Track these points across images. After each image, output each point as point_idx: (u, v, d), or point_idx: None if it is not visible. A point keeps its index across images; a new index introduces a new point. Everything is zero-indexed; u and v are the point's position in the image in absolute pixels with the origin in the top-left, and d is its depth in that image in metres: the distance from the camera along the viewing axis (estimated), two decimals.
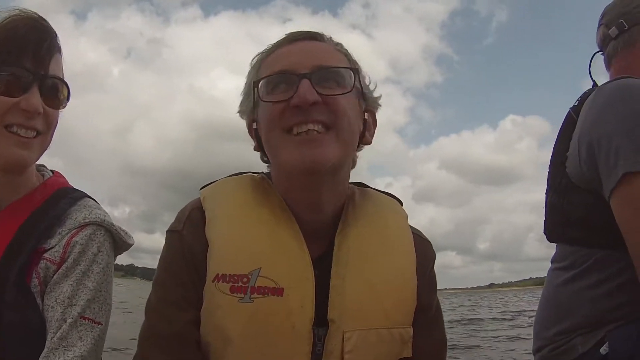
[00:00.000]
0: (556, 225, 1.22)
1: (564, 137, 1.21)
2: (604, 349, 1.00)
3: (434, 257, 1.05)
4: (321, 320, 0.88)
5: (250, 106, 0.97)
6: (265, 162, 1.01)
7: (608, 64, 1.36)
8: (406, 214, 1.05)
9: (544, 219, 1.30)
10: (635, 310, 1.03)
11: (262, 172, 1.02)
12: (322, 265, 0.92)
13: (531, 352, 1.26)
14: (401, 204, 1.06)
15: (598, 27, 1.38)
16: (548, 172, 1.28)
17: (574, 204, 1.14)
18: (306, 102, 0.85)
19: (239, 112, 1.02)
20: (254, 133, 0.98)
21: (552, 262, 1.26)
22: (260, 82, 0.91)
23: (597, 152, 1.06)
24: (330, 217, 0.96)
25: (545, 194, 1.27)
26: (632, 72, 1.21)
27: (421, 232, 1.06)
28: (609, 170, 1.02)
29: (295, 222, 0.92)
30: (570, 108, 1.24)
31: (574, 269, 1.13)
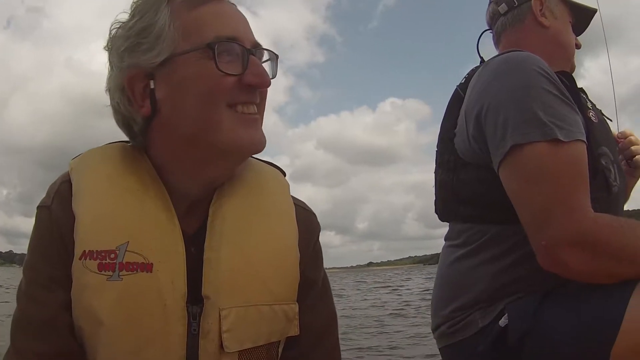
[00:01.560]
0: (447, 203, 1.20)
1: (451, 114, 1.19)
2: (502, 321, 1.01)
3: (319, 229, 0.98)
4: (197, 298, 0.81)
5: (153, 61, 0.79)
6: (137, 132, 0.84)
7: (497, 41, 1.35)
8: (288, 184, 0.98)
9: (434, 198, 1.27)
10: (532, 282, 1.03)
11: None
12: (199, 240, 0.84)
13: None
14: (284, 174, 0.99)
15: (488, 6, 1.37)
16: (436, 150, 1.26)
17: (464, 180, 1.12)
18: (266, 84, 0.81)
19: (121, 64, 0.81)
20: (148, 94, 0.81)
21: (445, 239, 1.24)
22: (217, 45, 0.78)
23: (485, 125, 1.03)
24: (212, 190, 0.88)
25: (435, 172, 1.25)
26: (521, 47, 1.19)
27: (305, 204, 0.98)
28: (497, 142, 1.00)
29: (165, 193, 0.83)
30: (457, 85, 1.22)
31: (469, 246, 1.12)
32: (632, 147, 1.41)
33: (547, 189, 0.95)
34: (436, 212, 1.27)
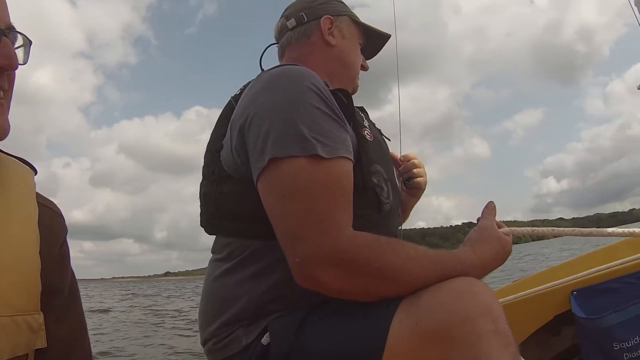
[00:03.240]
0: (211, 216, 1.13)
1: (221, 126, 1.12)
2: (265, 339, 0.97)
3: (65, 232, 0.88)
4: None
5: None
6: None
7: (281, 55, 1.30)
8: (34, 184, 0.86)
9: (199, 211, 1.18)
10: (297, 299, 0.98)
11: None
12: None
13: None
14: (35, 172, 0.88)
15: (279, 20, 1.34)
16: (203, 162, 1.18)
17: (227, 194, 1.06)
18: (13, 66, 0.73)
19: None
20: None
21: (212, 253, 1.18)
22: None
23: (248, 137, 0.98)
24: None
25: (200, 184, 1.17)
26: (303, 62, 1.14)
27: (53, 204, 0.87)
28: (257, 155, 0.95)
29: None
30: (232, 96, 1.16)
31: (232, 260, 1.06)
32: (414, 170, 1.38)
33: (302, 205, 0.89)
34: (202, 225, 1.18)
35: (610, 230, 1.12)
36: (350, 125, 1.05)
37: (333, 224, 0.89)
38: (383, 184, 1.10)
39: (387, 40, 1.43)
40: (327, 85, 1.04)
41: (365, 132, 1.12)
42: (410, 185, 1.44)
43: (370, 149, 1.09)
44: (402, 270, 0.89)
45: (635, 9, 1.80)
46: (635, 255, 1.90)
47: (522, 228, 1.13)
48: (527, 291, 1.91)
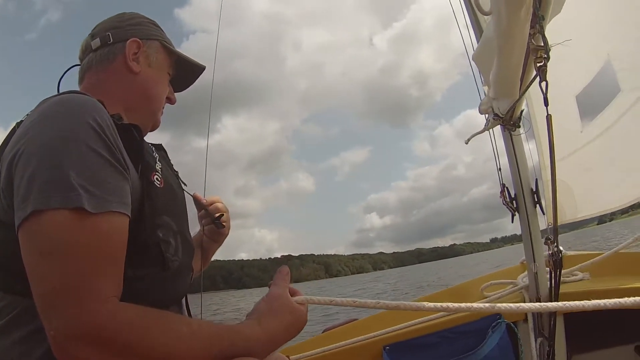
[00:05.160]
0: None
1: None
2: None
3: None
4: None
5: None
6: None
7: (80, 79, 1.17)
8: None
9: None
10: None
11: None
12: None
13: None
14: None
15: (85, 38, 1.20)
16: None
17: None
18: None
19: None
20: None
21: None
22: None
23: (15, 177, 0.85)
24: None
25: None
26: (101, 89, 1.08)
27: None
28: (19, 201, 0.82)
29: None
30: (17, 122, 1.00)
31: (3, 318, 0.90)
32: (217, 215, 1.37)
33: (58, 270, 0.77)
34: None
35: (420, 304, 1.10)
36: (137, 169, 0.94)
37: (91, 295, 0.77)
38: (171, 238, 1.00)
39: (201, 72, 1.34)
40: (121, 119, 0.95)
41: (155, 177, 1.00)
42: (218, 225, 1.37)
43: (158, 198, 0.98)
44: (170, 353, 0.79)
45: (470, 51, 1.88)
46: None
47: (320, 297, 1.03)
48: (337, 344, 1.84)
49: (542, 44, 1.00)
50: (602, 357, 1.89)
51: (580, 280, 1.96)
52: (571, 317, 1.69)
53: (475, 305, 1.09)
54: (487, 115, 1.74)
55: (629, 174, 2.06)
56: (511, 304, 1.03)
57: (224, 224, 1.40)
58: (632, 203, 2.08)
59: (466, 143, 1.99)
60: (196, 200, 1.40)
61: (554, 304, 1.04)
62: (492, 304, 1.06)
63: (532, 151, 2.32)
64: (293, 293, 1.01)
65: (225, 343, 0.84)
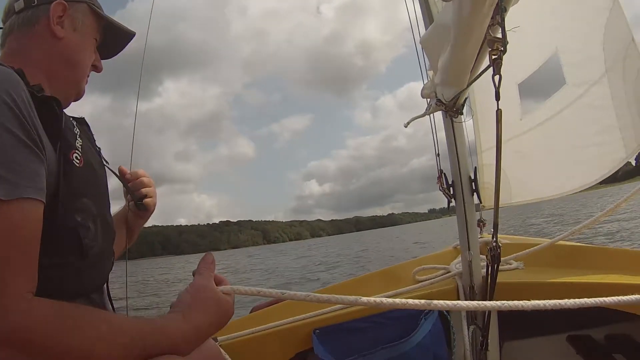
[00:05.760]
0: None
1: None
2: None
3: None
4: None
5: None
6: None
7: (2, 43, 1.09)
8: None
9: None
10: None
11: None
12: None
13: None
14: None
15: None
16: None
17: None
18: None
19: None
20: None
21: None
22: None
23: None
24: None
25: None
26: (22, 56, 1.02)
27: None
28: None
29: None
30: None
31: None
32: (143, 190, 1.33)
33: None
34: None
35: (353, 299, 1.06)
36: (55, 147, 0.87)
37: (3, 292, 0.71)
38: (90, 222, 0.94)
39: (131, 39, 1.26)
40: (42, 90, 0.88)
41: (75, 155, 0.93)
42: (140, 207, 1.31)
43: (76, 178, 0.91)
44: (90, 353, 0.75)
45: (416, 32, 1.84)
46: (395, 290, 1.89)
47: (247, 287, 0.98)
48: (266, 325, 1.79)
49: (500, 37, 0.94)
50: (534, 345, 1.95)
51: (515, 269, 1.99)
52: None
53: (410, 301, 1.05)
54: (429, 100, 1.69)
55: (565, 166, 2.11)
56: (448, 302, 1.01)
57: (146, 204, 1.33)
58: (566, 195, 2.14)
59: (405, 126, 1.96)
60: (120, 175, 1.33)
61: (492, 303, 1.03)
62: (428, 301, 1.03)
63: (468, 135, 2.33)
64: (219, 282, 0.97)
65: (148, 341, 0.80)
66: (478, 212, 1.96)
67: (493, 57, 1.00)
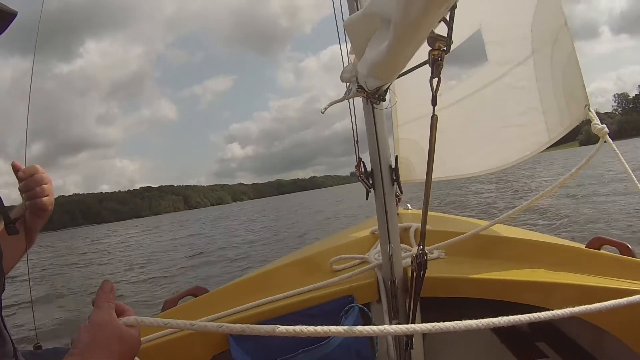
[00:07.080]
0: None
1: None
2: None
3: None
4: None
5: None
6: None
7: None
8: None
9: None
10: None
11: None
12: None
13: None
14: None
15: None
16: None
17: None
18: None
19: None
20: None
21: None
22: None
23: None
24: None
25: None
26: None
27: None
28: None
29: None
30: None
31: None
32: (37, 189, 1.22)
33: None
34: None
35: (270, 327, 0.91)
36: None
37: None
38: None
39: (12, 19, 1.14)
40: None
41: None
42: (33, 208, 1.22)
43: None
44: None
45: (341, 25, 1.64)
46: (312, 285, 1.78)
47: (153, 319, 0.90)
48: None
49: (445, 35, 0.75)
50: (458, 336, 1.92)
51: (436, 258, 1.92)
52: (427, 297, 1.63)
53: (333, 328, 0.93)
54: (348, 84, 1.50)
55: (483, 145, 2.04)
56: (374, 328, 0.92)
57: (42, 203, 1.24)
58: (481, 174, 2.09)
59: (322, 112, 1.76)
60: (14, 171, 1.23)
61: (421, 326, 0.97)
62: (350, 327, 0.93)
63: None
64: (121, 312, 0.89)
65: None
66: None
67: (432, 55, 0.81)
